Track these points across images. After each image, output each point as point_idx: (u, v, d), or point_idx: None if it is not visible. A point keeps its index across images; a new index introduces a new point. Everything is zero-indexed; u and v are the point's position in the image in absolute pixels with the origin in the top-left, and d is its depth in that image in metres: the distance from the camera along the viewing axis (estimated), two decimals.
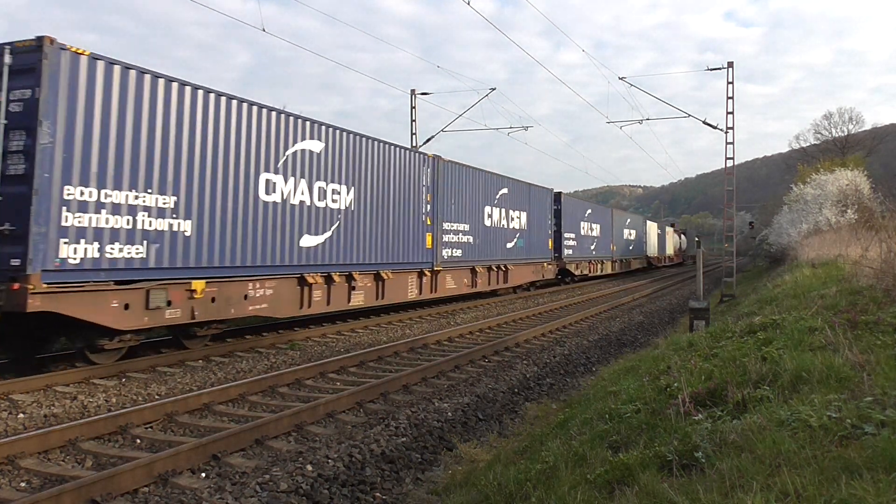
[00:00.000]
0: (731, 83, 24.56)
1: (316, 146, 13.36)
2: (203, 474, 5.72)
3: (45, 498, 4.67)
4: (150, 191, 9.75)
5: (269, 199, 12.16)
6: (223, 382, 9.29)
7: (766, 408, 4.18)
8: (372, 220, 15.31)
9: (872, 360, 4.74)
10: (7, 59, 8.44)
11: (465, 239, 20.17)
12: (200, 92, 10.60)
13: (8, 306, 8.09)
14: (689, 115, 26.77)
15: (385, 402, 8.40)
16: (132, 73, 9.51)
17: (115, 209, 9.25)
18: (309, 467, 5.78)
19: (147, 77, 9.73)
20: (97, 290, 9.05)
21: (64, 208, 8.57)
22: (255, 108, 11.74)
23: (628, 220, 44.92)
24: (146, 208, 9.67)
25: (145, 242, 9.62)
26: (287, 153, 12.60)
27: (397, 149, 16.52)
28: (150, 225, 9.74)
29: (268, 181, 12.11)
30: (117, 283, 9.31)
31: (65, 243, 8.57)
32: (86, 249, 8.87)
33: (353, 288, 14.73)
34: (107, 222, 9.13)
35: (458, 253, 19.73)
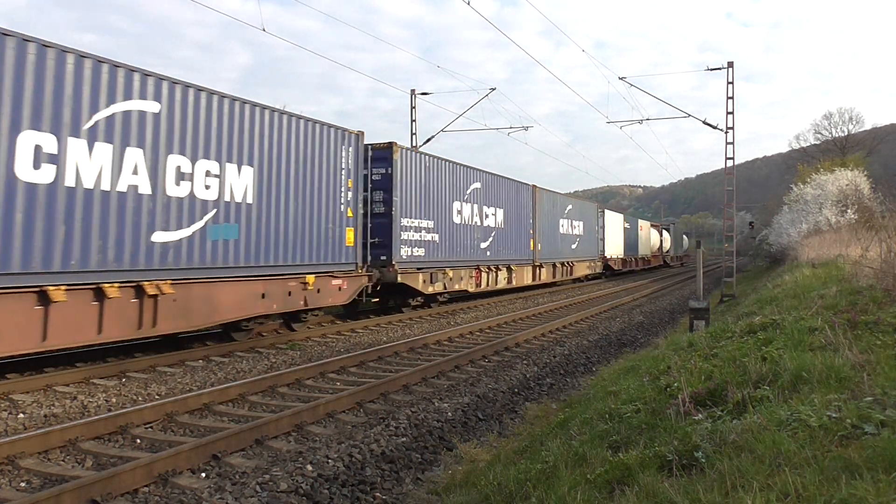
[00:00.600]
0: (731, 83, 24.56)
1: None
2: (203, 474, 5.72)
3: (45, 498, 4.67)
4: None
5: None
6: (223, 382, 9.29)
7: (766, 408, 4.18)
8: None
9: (872, 360, 4.74)
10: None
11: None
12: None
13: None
14: (689, 115, 26.78)
15: (385, 402, 8.40)
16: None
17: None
18: (309, 467, 5.78)
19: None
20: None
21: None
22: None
23: (568, 208, 31.02)
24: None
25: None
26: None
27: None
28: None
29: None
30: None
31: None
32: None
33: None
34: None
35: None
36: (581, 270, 32.76)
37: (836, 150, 58.34)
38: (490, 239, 22.25)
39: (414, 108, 28.22)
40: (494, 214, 22.73)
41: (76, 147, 8.90)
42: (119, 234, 9.48)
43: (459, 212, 20.18)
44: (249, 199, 11.82)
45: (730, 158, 25.17)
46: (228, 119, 11.35)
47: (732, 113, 24.74)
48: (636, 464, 3.89)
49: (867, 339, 5.55)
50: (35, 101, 8.40)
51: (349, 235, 14.59)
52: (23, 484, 5.49)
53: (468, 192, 20.83)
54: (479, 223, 21.47)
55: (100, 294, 9.16)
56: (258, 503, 5.07)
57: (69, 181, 8.79)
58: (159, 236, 10.12)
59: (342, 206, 14.32)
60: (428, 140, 28.22)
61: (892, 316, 6.22)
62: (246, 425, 6.63)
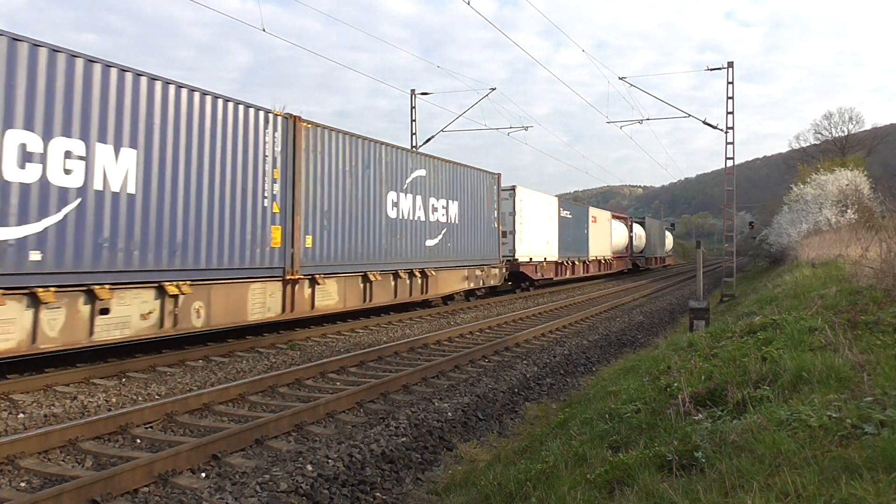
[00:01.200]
0: (731, 83, 24.57)
1: None
2: (203, 474, 5.72)
3: (45, 498, 4.67)
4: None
5: None
6: (223, 382, 9.29)
7: (766, 408, 4.18)
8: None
9: (872, 360, 4.73)
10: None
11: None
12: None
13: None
14: (689, 115, 26.80)
15: (385, 402, 8.40)
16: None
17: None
18: (309, 467, 5.78)
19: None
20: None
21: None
22: None
23: (415, 175, 18.16)
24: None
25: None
26: None
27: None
28: None
29: None
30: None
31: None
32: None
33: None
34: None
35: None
36: (451, 283, 19.96)
37: (836, 150, 58.34)
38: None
39: (414, 108, 28.23)
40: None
41: None
42: None
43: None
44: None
45: (730, 158, 25.17)
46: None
47: (732, 113, 24.76)
48: (636, 464, 3.90)
49: (867, 339, 5.54)
50: None
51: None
52: (23, 484, 5.49)
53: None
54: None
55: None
56: (258, 503, 5.07)
57: None
58: None
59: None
60: (428, 140, 28.23)
61: (892, 316, 6.22)
62: (246, 425, 6.63)
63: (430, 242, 18.41)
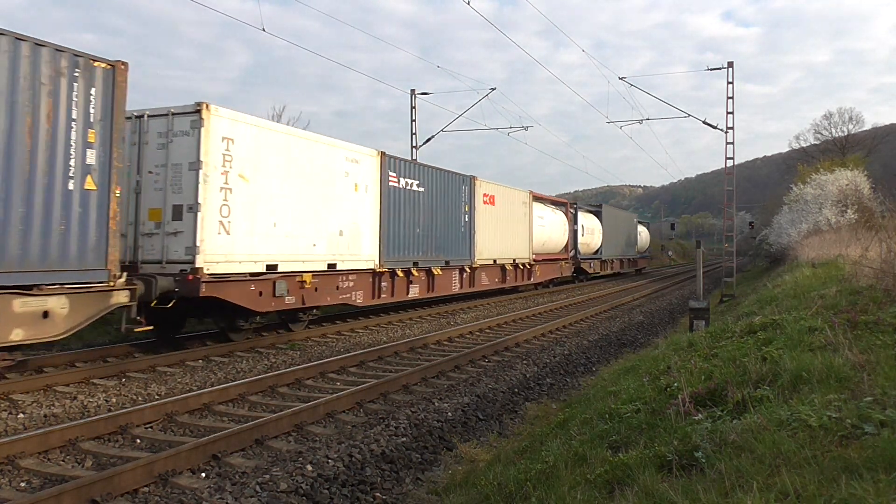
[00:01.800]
0: (731, 83, 24.58)
1: None
2: (203, 474, 5.72)
3: (45, 498, 4.67)
4: None
5: None
6: (223, 382, 9.29)
7: (766, 408, 4.18)
8: None
9: (872, 360, 4.73)
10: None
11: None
12: None
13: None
14: (689, 115, 26.80)
15: (385, 402, 8.40)
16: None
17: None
18: (309, 467, 5.78)
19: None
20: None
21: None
22: None
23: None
24: None
25: None
26: None
27: None
28: None
29: None
30: None
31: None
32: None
33: None
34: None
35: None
36: None
37: (836, 150, 58.31)
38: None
39: (414, 108, 28.22)
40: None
41: None
42: None
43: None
44: None
45: (730, 158, 25.17)
46: None
47: (732, 113, 24.77)
48: (636, 464, 3.90)
49: (867, 339, 5.54)
50: None
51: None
52: (23, 484, 5.49)
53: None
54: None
55: None
56: (258, 503, 5.08)
57: None
58: None
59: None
60: (428, 140, 28.22)
61: (892, 316, 6.22)
62: (246, 425, 6.63)
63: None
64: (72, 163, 8.60)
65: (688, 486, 3.37)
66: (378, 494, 5.56)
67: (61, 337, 8.48)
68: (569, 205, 33.14)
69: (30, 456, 5.96)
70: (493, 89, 27.45)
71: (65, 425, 6.47)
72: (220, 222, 11.13)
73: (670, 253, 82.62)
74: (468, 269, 20.63)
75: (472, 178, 20.93)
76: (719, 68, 24.98)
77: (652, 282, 37.11)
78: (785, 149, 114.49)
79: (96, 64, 8.98)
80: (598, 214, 37.76)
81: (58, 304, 8.36)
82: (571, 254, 32.46)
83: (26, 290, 8.01)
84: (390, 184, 16.07)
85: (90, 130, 8.85)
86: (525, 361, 11.26)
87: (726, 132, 24.94)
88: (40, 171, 8.23)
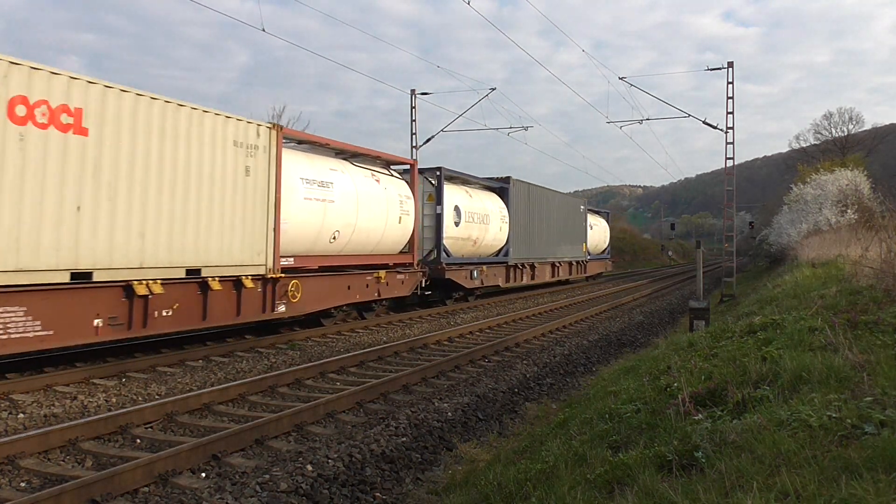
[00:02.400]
0: (731, 83, 24.58)
1: None
2: (203, 474, 5.72)
3: (45, 498, 4.67)
4: None
5: None
6: (223, 382, 9.29)
7: (766, 408, 4.18)
8: None
9: (872, 360, 4.73)
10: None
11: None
12: None
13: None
14: (689, 115, 26.80)
15: (385, 402, 8.40)
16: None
17: None
18: (309, 467, 5.78)
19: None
20: None
21: None
22: None
23: None
24: None
25: None
26: None
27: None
28: None
29: None
30: None
31: None
32: None
33: None
34: None
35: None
36: None
37: (836, 150, 58.35)
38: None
39: (414, 108, 28.22)
40: None
41: None
42: None
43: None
44: None
45: (730, 158, 25.17)
46: None
47: (732, 113, 24.77)
48: (636, 464, 3.90)
49: (867, 339, 5.54)
50: None
51: None
52: (23, 484, 5.49)
53: None
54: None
55: None
56: (258, 503, 5.08)
57: None
58: None
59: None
60: (428, 140, 28.22)
61: (892, 316, 6.22)
62: (246, 425, 6.63)
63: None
64: None
65: (688, 485, 3.37)
66: (378, 494, 5.56)
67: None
68: (415, 170, 18.04)
69: (30, 456, 5.96)
70: (493, 89, 27.43)
71: (65, 425, 6.46)
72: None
73: (670, 253, 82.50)
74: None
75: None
76: (719, 68, 24.99)
77: (652, 282, 37.11)
78: (785, 149, 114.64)
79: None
80: (500, 193, 24.31)
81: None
82: (432, 256, 19.56)
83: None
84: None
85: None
86: (525, 361, 11.26)
87: (726, 132, 24.95)
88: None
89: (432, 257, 19.51)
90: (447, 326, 15.86)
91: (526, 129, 30.03)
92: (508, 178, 24.45)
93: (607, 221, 42.24)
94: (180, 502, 5.09)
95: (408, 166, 18.03)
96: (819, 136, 63.94)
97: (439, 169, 19.67)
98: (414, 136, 28.24)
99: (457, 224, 20.46)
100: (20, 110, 8.24)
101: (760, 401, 4.39)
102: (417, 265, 17.79)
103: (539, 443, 6.02)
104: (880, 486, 2.77)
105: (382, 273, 15.89)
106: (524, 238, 25.39)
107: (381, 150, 16.38)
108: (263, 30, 15.11)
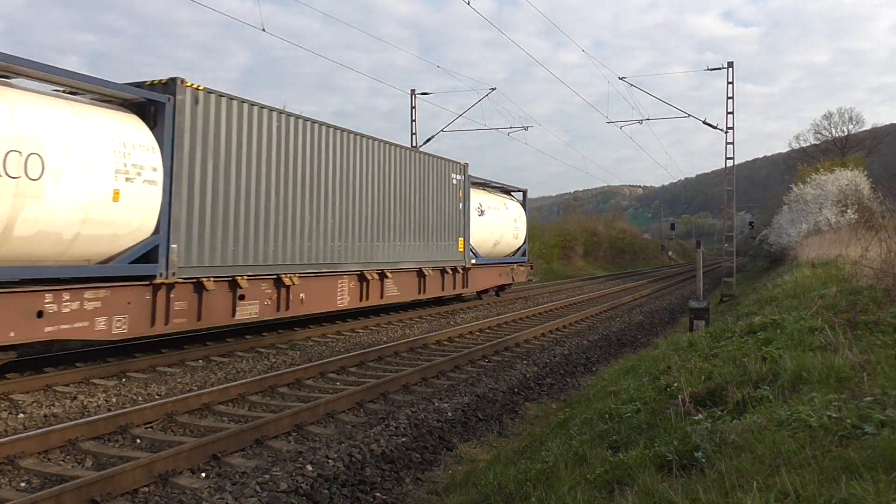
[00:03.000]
0: (731, 83, 24.58)
1: None
2: (203, 474, 5.72)
3: (45, 498, 4.67)
4: None
5: None
6: (223, 382, 9.29)
7: (766, 408, 4.18)
8: None
9: (872, 360, 4.73)
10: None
11: None
12: None
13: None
14: (689, 115, 26.80)
15: (385, 402, 8.40)
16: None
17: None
18: (309, 467, 5.78)
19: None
20: None
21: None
22: None
23: None
24: None
25: None
26: None
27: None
28: None
29: None
30: None
31: None
32: None
33: None
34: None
35: None
36: None
37: (836, 151, 58.35)
38: None
39: (414, 107, 28.22)
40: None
41: None
42: None
43: None
44: None
45: (730, 158, 25.18)
46: None
47: (732, 113, 24.77)
48: (636, 464, 3.90)
49: (867, 339, 5.54)
50: None
51: None
52: (23, 484, 5.49)
53: None
54: None
55: None
56: (258, 503, 5.08)
57: None
58: None
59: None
60: (428, 140, 28.21)
61: (892, 316, 6.22)
62: (246, 425, 6.63)
63: None
64: None
65: (688, 485, 3.37)
66: (378, 494, 5.56)
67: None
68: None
69: (30, 456, 5.95)
70: (493, 89, 27.39)
71: (65, 425, 6.46)
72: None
73: (670, 253, 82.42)
74: None
75: None
76: (719, 68, 24.99)
77: (652, 282, 37.11)
78: (785, 149, 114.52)
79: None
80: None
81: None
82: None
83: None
84: None
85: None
86: (525, 361, 11.26)
87: (726, 132, 24.95)
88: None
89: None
90: (447, 326, 15.85)
91: (526, 128, 29.96)
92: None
93: (523, 205, 25.07)
94: (180, 502, 5.09)
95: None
96: (819, 136, 63.99)
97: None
98: (414, 136, 28.23)
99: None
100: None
101: (760, 401, 4.39)
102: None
103: (539, 443, 6.03)
104: (880, 486, 2.77)
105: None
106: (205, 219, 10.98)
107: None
108: (263, 30, 15.05)
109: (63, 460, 6.06)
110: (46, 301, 8.44)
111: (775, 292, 13.73)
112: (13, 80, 8.53)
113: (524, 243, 24.74)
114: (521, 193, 25.26)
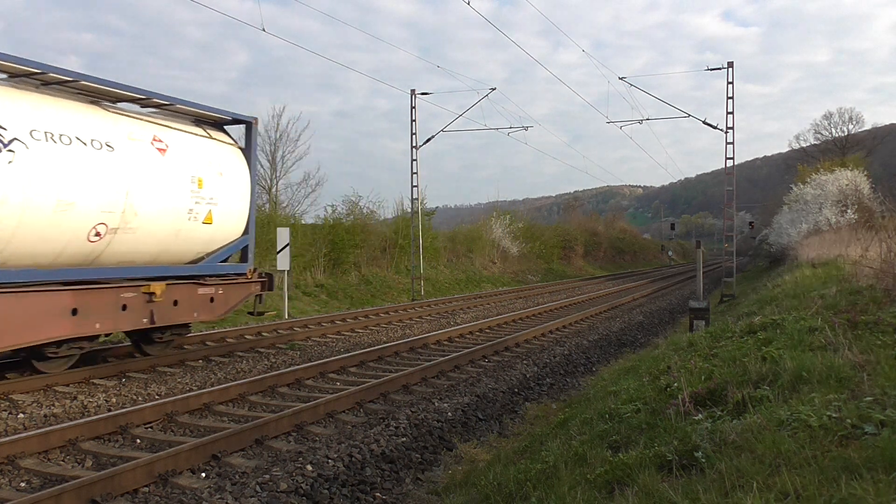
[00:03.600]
0: (731, 83, 24.56)
1: None
2: (203, 474, 5.72)
3: (45, 498, 4.67)
4: None
5: None
6: (223, 382, 9.29)
7: (766, 408, 4.18)
8: None
9: (872, 360, 4.73)
10: None
11: None
12: None
13: None
14: (689, 115, 26.77)
15: (385, 402, 8.40)
16: None
17: None
18: (309, 467, 5.78)
19: None
20: None
21: None
22: None
23: None
24: None
25: None
26: None
27: None
28: None
29: None
30: None
31: None
32: None
33: None
34: None
35: None
36: None
37: (836, 150, 58.39)
38: None
39: (414, 108, 28.21)
40: None
41: None
42: None
43: None
44: None
45: (730, 158, 25.16)
46: None
47: (732, 113, 24.75)
48: (636, 464, 3.90)
49: (867, 339, 5.54)
50: None
51: None
52: (23, 484, 5.49)
53: None
54: None
55: None
56: (258, 503, 5.08)
57: None
58: None
59: None
60: (428, 140, 28.21)
61: (892, 316, 6.22)
62: (246, 425, 6.63)
63: None
64: None
65: (688, 485, 3.37)
66: (378, 494, 5.56)
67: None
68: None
69: (30, 456, 5.96)
70: (493, 89, 27.36)
71: (65, 425, 6.46)
72: None
73: (670, 253, 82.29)
74: None
75: None
76: (719, 68, 24.95)
77: (652, 282, 37.10)
78: (785, 149, 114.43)
79: None
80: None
81: None
82: None
83: None
84: None
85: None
86: (525, 361, 11.26)
87: (726, 132, 24.94)
88: None
89: None
90: (447, 326, 15.86)
91: (526, 128, 29.89)
92: None
93: (247, 152, 11.46)
94: (180, 502, 5.09)
95: None
96: (819, 136, 64.02)
97: None
98: (414, 136, 28.24)
99: None
100: None
101: (760, 401, 4.39)
102: None
103: (539, 443, 6.03)
104: (880, 486, 2.77)
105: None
106: None
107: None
108: (263, 30, 15.03)
109: (63, 460, 6.06)
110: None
111: (775, 292, 13.73)
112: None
113: (247, 232, 11.51)
114: (244, 126, 11.78)
